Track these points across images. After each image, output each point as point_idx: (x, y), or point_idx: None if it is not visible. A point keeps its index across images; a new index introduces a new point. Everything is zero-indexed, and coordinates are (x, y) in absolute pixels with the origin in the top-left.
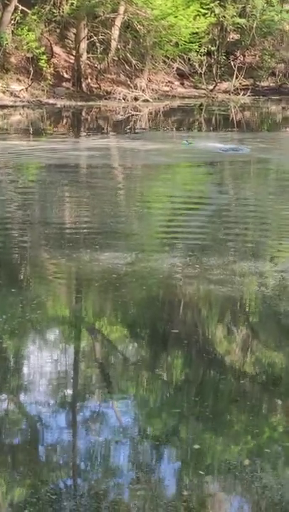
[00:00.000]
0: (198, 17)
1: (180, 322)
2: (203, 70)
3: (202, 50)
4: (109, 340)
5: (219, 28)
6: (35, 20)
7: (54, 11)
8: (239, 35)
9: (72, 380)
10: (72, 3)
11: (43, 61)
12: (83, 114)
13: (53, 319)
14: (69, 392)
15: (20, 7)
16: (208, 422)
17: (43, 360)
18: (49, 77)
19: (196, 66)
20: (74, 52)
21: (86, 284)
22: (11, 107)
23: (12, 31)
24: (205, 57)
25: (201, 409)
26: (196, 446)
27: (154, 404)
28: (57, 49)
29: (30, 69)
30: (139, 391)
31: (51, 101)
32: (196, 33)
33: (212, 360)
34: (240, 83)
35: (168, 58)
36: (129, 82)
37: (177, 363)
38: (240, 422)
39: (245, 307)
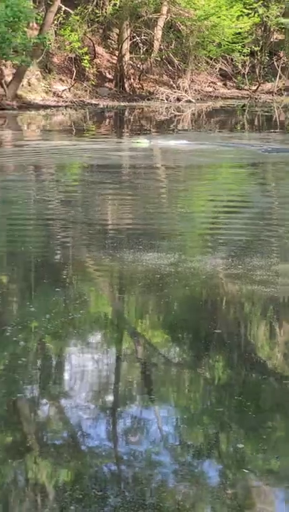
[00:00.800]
0: (241, 17)
1: (222, 322)
2: (246, 70)
3: (245, 50)
4: (151, 340)
5: (263, 28)
6: (78, 20)
7: (97, 11)
8: (283, 36)
9: (114, 381)
10: (115, 4)
11: (85, 61)
12: (126, 114)
13: (95, 319)
14: (111, 396)
15: (64, 7)
16: (250, 422)
17: (84, 361)
18: (92, 78)
19: (239, 66)
20: (117, 53)
21: (129, 284)
22: (54, 107)
23: (55, 32)
24: (248, 57)
25: (243, 410)
26: (240, 446)
27: (197, 403)
28: (100, 49)
29: (73, 69)
30: (181, 391)
31: (94, 101)
32: (239, 33)
33: (254, 361)
34: (283, 84)
35: (211, 59)
36: (171, 83)
37: (219, 363)
38: (283, 424)
39: None
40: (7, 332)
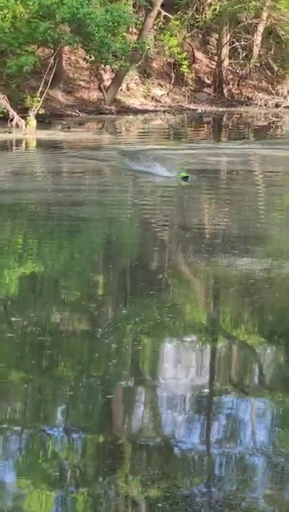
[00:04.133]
0: None
1: None
2: None
3: None
4: (241, 343)
5: None
6: (177, 25)
7: (196, 16)
8: None
9: (204, 381)
10: (214, 9)
11: (184, 66)
12: (224, 119)
13: (183, 323)
14: (203, 393)
15: (163, 12)
16: None
17: (169, 361)
18: (190, 83)
19: None
20: (216, 58)
21: (220, 289)
22: (152, 111)
23: (154, 36)
24: None
25: None
26: None
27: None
28: (199, 54)
29: (172, 74)
30: (275, 397)
31: (192, 106)
32: None
33: None
34: None
35: None
36: (270, 88)
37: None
38: None
39: None
40: (98, 334)
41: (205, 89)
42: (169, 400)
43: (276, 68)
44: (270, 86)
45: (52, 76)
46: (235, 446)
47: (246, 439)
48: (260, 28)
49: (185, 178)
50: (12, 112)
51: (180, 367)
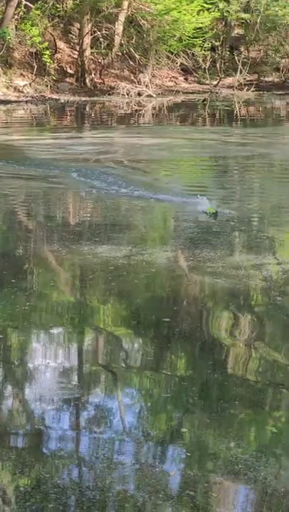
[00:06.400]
0: (202, 12)
1: (170, 311)
2: (207, 65)
3: (206, 45)
4: (98, 327)
5: (223, 23)
6: (38, 15)
7: (57, 5)
8: (243, 30)
9: (60, 367)
10: None
11: (46, 56)
12: (87, 109)
13: (43, 309)
14: (60, 380)
15: (24, 2)
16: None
17: (27, 349)
18: (53, 73)
19: (200, 61)
20: (77, 48)
21: (81, 276)
22: (15, 102)
23: (15, 26)
24: (209, 52)
25: (189, 395)
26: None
27: (143, 390)
28: (60, 44)
29: (34, 64)
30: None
31: (55, 96)
32: (200, 28)
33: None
34: (244, 78)
35: (172, 53)
36: (132, 78)
37: (164, 347)
38: (242, 416)
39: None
40: None
41: (67, 79)
42: (33, 387)
43: (138, 57)
44: (132, 75)
45: None
46: (105, 430)
47: (115, 421)
48: (121, 18)
49: (214, 215)
50: None
51: (40, 354)
